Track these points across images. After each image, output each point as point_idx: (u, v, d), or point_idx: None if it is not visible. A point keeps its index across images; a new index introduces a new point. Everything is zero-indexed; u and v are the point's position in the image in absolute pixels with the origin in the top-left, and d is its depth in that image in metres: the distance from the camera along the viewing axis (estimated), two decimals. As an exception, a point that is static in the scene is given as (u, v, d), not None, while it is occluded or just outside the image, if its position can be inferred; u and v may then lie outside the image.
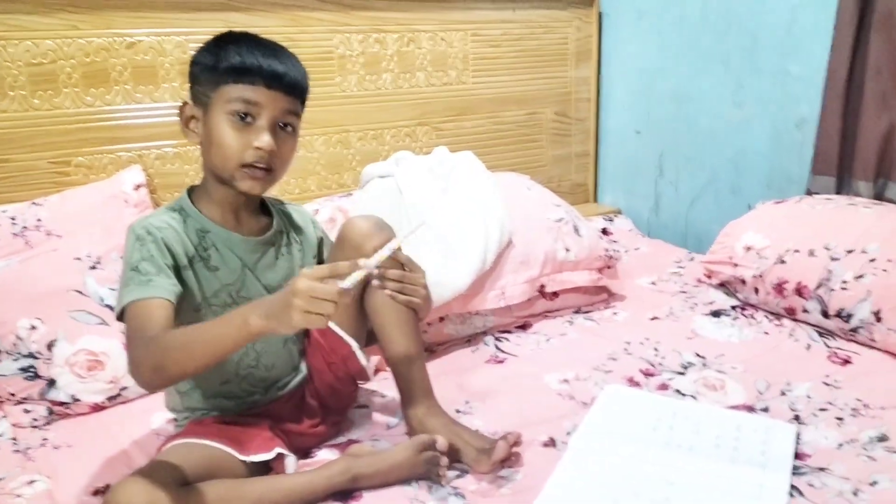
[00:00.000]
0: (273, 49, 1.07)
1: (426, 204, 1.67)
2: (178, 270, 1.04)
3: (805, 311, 1.60)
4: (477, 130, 2.26)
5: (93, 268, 1.46)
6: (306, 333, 1.26)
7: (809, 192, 1.87)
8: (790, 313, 1.64)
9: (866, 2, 1.70)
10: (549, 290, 1.73)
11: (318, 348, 1.23)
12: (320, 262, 1.25)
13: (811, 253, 1.60)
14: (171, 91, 1.77)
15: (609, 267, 1.83)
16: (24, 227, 1.54)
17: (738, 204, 2.10)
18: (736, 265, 1.75)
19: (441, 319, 1.60)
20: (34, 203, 1.59)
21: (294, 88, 1.07)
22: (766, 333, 1.61)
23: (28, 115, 1.62)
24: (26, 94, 1.61)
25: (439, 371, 1.42)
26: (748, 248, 1.73)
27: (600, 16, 2.42)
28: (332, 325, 1.19)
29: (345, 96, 2.01)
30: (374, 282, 1.17)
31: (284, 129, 1.07)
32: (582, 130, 2.50)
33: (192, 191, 1.13)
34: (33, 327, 1.36)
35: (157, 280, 0.99)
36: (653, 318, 1.71)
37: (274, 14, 1.86)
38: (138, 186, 1.68)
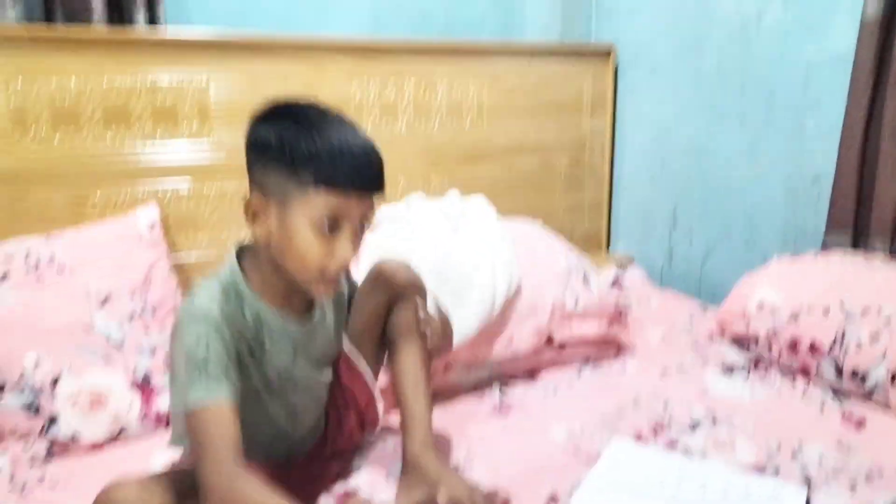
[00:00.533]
0: (363, 146, 0.97)
1: (436, 249, 1.67)
2: (239, 359, 1.00)
3: (819, 370, 1.57)
4: (490, 177, 2.27)
5: (102, 304, 1.47)
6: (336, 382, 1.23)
7: (825, 248, 1.85)
8: (804, 372, 1.61)
9: (882, 61, 1.70)
10: (557, 340, 1.71)
11: (339, 394, 1.22)
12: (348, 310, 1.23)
13: (826, 311, 1.58)
14: (190, 131, 1.80)
15: (619, 318, 1.81)
16: (38, 262, 1.55)
17: (752, 257, 2.08)
18: (749, 321, 1.72)
19: (446, 367, 1.59)
20: (49, 238, 1.60)
21: (381, 186, 1.00)
22: (779, 392, 1.58)
23: (49, 152, 1.65)
24: (48, 132, 1.64)
25: (442, 419, 1.40)
26: (762, 304, 1.70)
27: (616, 69, 2.44)
28: (368, 378, 1.21)
29: (360, 141, 2.02)
30: None
31: (362, 226, 1.00)
32: (595, 179, 2.50)
33: (239, 256, 1.05)
34: (38, 362, 1.36)
35: (224, 381, 0.93)
36: (663, 372, 1.68)
37: (295, 59, 1.90)
38: (153, 225, 1.69)
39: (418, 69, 2.09)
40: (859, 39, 1.71)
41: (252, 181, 1.00)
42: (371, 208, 0.99)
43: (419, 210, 1.80)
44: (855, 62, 1.73)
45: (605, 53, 2.41)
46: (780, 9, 1.96)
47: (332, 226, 0.95)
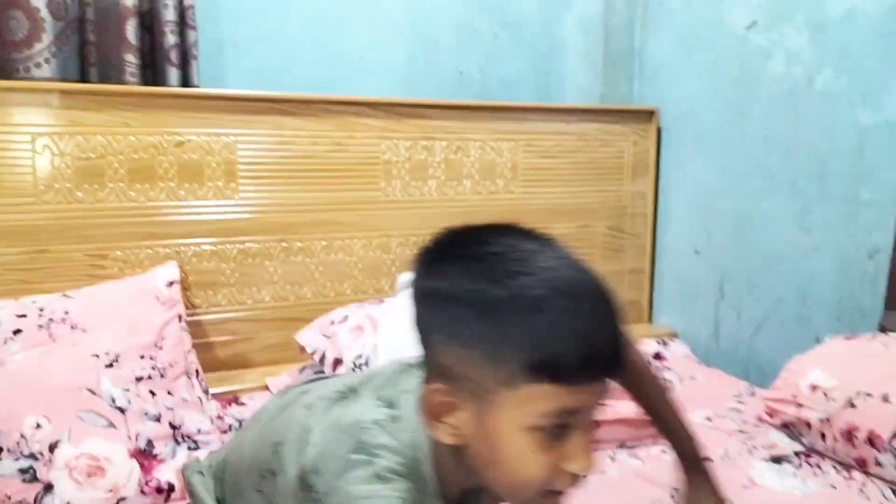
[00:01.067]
0: (599, 303, 0.66)
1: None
2: None
3: (878, 463, 1.41)
4: (523, 242, 2.18)
5: (109, 366, 1.41)
6: None
7: (883, 329, 1.70)
8: (861, 465, 1.45)
9: (944, 128, 1.59)
10: (589, 418, 1.59)
11: None
12: None
13: (885, 398, 1.43)
14: (215, 190, 1.77)
15: (658, 397, 1.68)
16: (51, 320, 1.52)
17: (804, 336, 1.94)
18: (801, 405, 1.58)
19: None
20: (64, 295, 1.57)
21: (623, 366, 0.68)
22: (834, 487, 1.42)
23: (71, 208, 1.64)
24: (71, 188, 1.63)
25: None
26: (814, 388, 1.56)
27: (659, 131, 2.36)
28: None
29: (388, 201, 1.97)
30: None
31: (592, 423, 0.70)
32: (637, 246, 2.40)
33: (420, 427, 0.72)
34: (38, 425, 1.30)
35: None
36: (705, 460, 1.54)
37: (324, 119, 1.87)
38: (171, 283, 1.65)
39: (450, 129, 2.05)
40: (919, 105, 1.61)
41: (428, 360, 0.71)
42: (606, 393, 0.68)
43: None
44: (914, 129, 1.62)
45: (647, 114, 2.33)
46: (831, 73, 1.86)
47: (559, 430, 0.65)
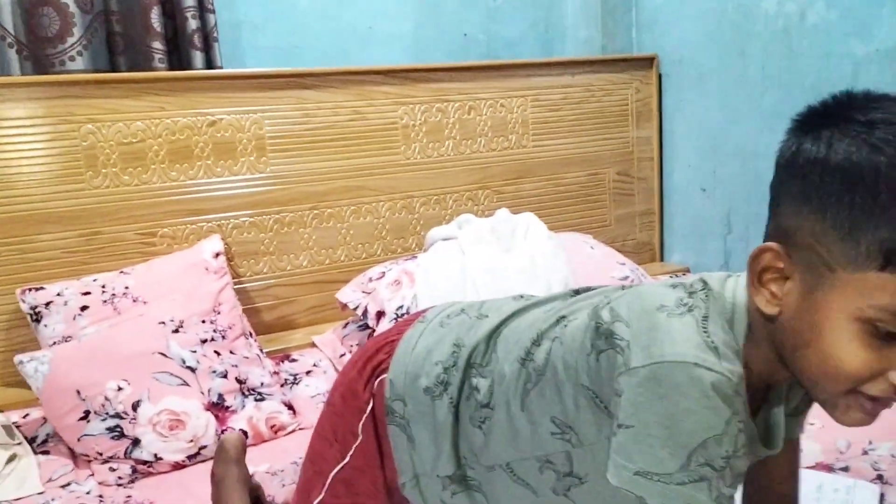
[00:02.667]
0: None
1: (489, 264, 1.70)
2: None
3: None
4: (538, 192, 2.29)
5: (175, 331, 1.54)
6: None
7: (884, 245, 1.81)
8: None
9: (931, 52, 1.68)
10: (616, 349, 1.72)
11: None
12: None
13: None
14: (249, 164, 1.88)
15: (677, 325, 1.81)
16: (113, 295, 1.64)
17: (810, 259, 2.05)
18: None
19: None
20: (122, 272, 1.69)
21: None
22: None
23: (118, 191, 1.75)
24: (117, 171, 1.74)
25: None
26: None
27: (660, 77, 2.45)
28: None
29: (409, 164, 2.08)
30: None
31: None
32: (645, 189, 2.50)
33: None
34: (120, 388, 1.43)
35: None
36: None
37: (343, 90, 1.97)
38: (217, 254, 1.77)
39: (461, 90, 2.14)
40: (906, 32, 1.70)
41: (773, 222, 0.67)
42: None
43: (470, 230, 1.84)
44: (903, 55, 1.71)
45: (648, 62, 2.42)
46: (823, 7, 1.95)
47: (892, 331, 0.59)
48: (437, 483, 0.79)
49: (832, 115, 0.63)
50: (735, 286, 0.68)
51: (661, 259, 2.57)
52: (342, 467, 0.85)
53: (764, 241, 0.66)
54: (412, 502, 0.83)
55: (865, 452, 1.28)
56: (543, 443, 0.71)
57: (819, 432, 1.36)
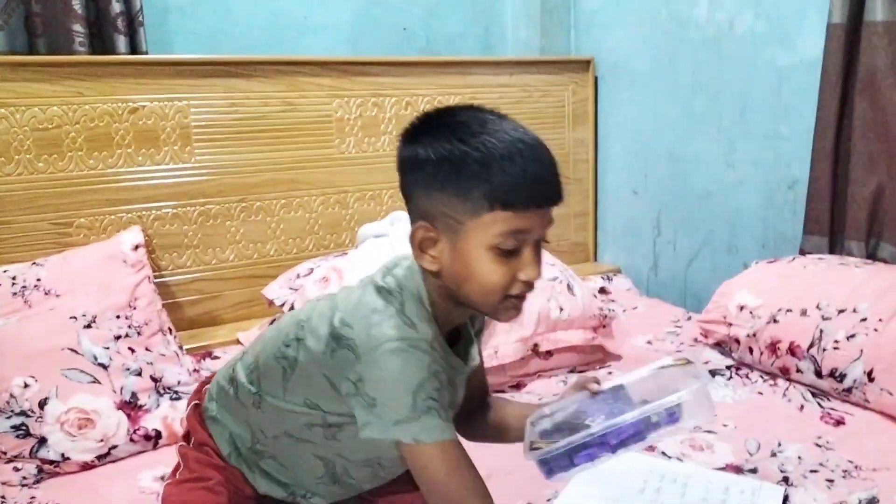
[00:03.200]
0: (537, 152, 0.85)
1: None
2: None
3: (798, 370, 1.59)
4: (473, 191, 2.29)
5: (87, 326, 1.48)
6: None
7: (802, 252, 1.87)
8: (784, 373, 1.63)
9: (849, 64, 1.73)
10: (542, 349, 1.73)
11: None
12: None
13: (803, 313, 1.60)
14: (172, 154, 1.82)
15: (604, 326, 1.83)
16: (24, 287, 1.57)
17: (734, 263, 2.10)
18: (730, 325, 1.74)
19: (431, 378, 1.60)
20: (35, 263, 1.62)
21: (561, 194, 0.87)
22: (760, 393, 1.59)
23: (32, 178, 1.67)
24: (31, 158, 1.67)
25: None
26: (742, 308, 1.73)
27: (596, 80, 2.47)
28: None
29: (343, 158, 2.05)
30: None
31: (539, 243, 0.88)
32: (580, 191, 2.53)
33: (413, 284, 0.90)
34: (27, 385, 1.37)
35: (449, 420, 0.86)
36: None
37: (274, 80, 1.93)
38: (137, 247, 1.71)
39: (399, 85, 2.12)
40: (826, 44, 1.75)
41: (412, 207, 0.89)
42: (551, 220, 0.87)
43: (401, 227, 1.82)
44: (823, 67, 1.77)
45: (584, 64, 2.44)
46: (751, 17, 2.00)
47: (512, 246, 0.84)
48: (251, 454, 1.01)
49: (427, 126, 0.87)
50: (413, 271, 0.91)
51: (595, 259, 2.60)
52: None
53: (412, 224, 0.88)
54: (240, 469, 1.02)
55: (774, 454, 1.32)
56: (303, 415, 0.94)
57: (731, 434, 1.40)
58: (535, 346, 1.72)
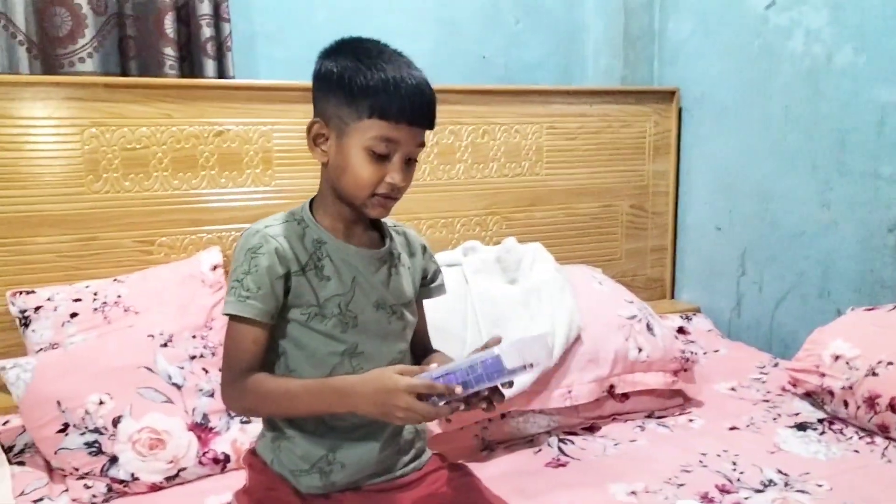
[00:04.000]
0: (417, 81, 1.02)
1: (492, 294, 1.65)
2: (288, 278, 1.04)
3: (901, 429, 1.47)
4: (548, 221, 2.24)
5: (164, 345, 1.49)
6: None
7: (904, 300, 1.75)
8: (883, 430, 1.51)
9: (963, 103, 1.62)
10: (618, 391, 1.66)
11: None
12: (424, 286, 1.22)
13: (907, 366, 1.49)
14: (254, 177, 1.84)
15: (685, 369, 1.75)
16: (104, 303, 1.60)
17: (826, 308, 1.98)
18: (823, 375, 1.63)
19: (502, 416, 1.55)
20: (116, 280, 1.65)
21: (431, 122, 1.05)
22: (856, 451, 1.48)
23: (118, 196, 1.71)
24: (119, 177, 1.70)
25: (496, 471, 1.36)
26: (837, 357, 1.62)
27: (680, 111, 2.40)
28: None
29: (417, 185, 2.01)
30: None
31: (410, 161, 1.06)
32: (659, 225, 2.45)
33: (311, 202, 1.12)
34: (102, 402, 1.38)
35: (253, 300, 1.02)
36: (732, 428, 1.61)
37: (355, 106, 1.93)
38: (215, 267, 1.72)
39: (476, 114, 2.10)
40: (938, 81, 1.64)
41: (315, 109, 1.08)
42: (421, 143, 1.05)
43: (475, 258, 1.79)
44: (933, 105, 1.66)
45: (668, 95, 2.38)
46: (850, 51, 1.90)
47: (384, 153, 1.01)
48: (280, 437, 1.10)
49: (339, 47, 1.06)
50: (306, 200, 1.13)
51: (672, 297, 2.51)
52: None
53: (313, 120, 1.06)
54: (282, 474, 1.10)
55: None
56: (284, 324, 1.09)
57: (826, 496, 1.29)
58: (611, 387, 1.65)
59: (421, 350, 1.20)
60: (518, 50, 2.40)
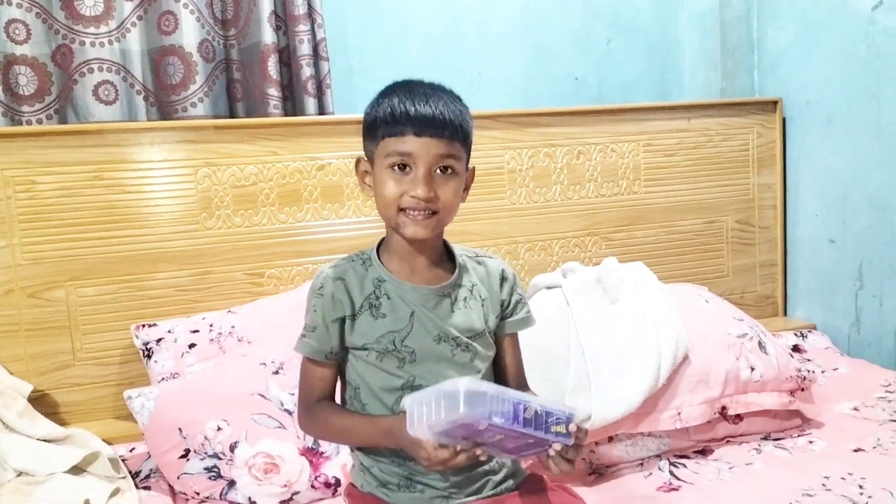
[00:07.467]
0: (425, 94, 1.06)
1: (594, 316, 1.63)
2: (343, 321, 1.10)
3: None
4: (649, 240, 2.20)
5: (276, 373, 1.55)
6: None
7: None
8: None
9: None
10: (731, 412, 1.59)
11: None
12: (504, 317, 1.18)
13: None
14: (355, 208, 1.90)
15: (802, 389, 1.66)
16: (220, 334, 1.68)
17: (957, 321, 1.85)
18: (959, 393, 1.52)
19: (610, 440, 1.52)
20: (230, 311, 1.73)
21: (445, 131, 1.04)
22: None
23: (230, 232, 1.80)
24: (230, 213, 1.80)
25: (605, 497, 1.33)
26: (973, 374, 1.50)
27: (784, 121, 2.31)
28: None
29: (514, 209, 2.05)
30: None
31: (445, 172, 1.05)
32: (768, 239, 2.35)
33: (380, 243, 1.16)
34: (219, 428, 1.45)
35: (308, 338, 1.11)
36: (856, 450, 1.51)
37: (450, 134, 1.96)
38: (320, 296, 1.78)
39: (570, 135, 2.09)
40: None
41: (364, 152, 1.14)
42: (445, 154, 1.05)
43: (574, 279, 1.77)
44: None
45: (771, 105, 2.30)
46: (972, 46, 1.78)
47: (401, 165, 1.05)
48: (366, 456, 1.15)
49: (378, 95, 1.10)
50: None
51: (785, 314, 2.40)
52: None
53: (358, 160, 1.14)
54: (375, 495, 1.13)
55: None
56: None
57: None
58: (724, 408, 1.59)
59: (515, 388, 1.14)
60: (611, 69, 2.38)
